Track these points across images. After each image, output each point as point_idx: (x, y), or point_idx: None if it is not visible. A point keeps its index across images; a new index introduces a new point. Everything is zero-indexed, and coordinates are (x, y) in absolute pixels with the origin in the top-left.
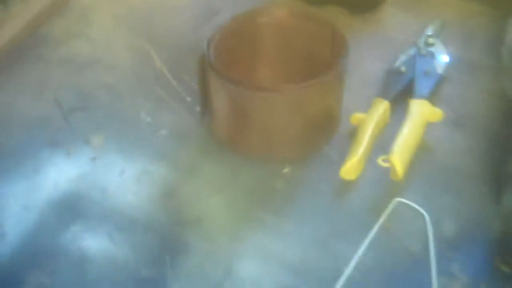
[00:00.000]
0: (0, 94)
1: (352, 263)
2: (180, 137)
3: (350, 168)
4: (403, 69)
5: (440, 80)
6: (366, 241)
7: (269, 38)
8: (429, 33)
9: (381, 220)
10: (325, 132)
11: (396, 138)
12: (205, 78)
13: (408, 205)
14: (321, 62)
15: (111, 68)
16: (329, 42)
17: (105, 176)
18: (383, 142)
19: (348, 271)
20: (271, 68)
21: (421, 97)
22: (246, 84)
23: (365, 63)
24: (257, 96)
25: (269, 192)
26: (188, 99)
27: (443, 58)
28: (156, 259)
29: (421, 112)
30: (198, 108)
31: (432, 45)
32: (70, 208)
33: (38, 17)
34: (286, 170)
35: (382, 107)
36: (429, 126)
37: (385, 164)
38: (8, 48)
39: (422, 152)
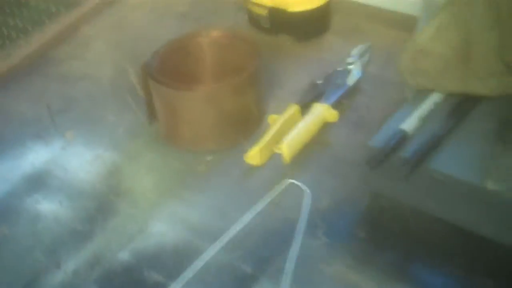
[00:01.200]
0: (9, 98)
1: (238, 225)
2: (132, 134)
3: (253, 155)
4: (319, 82)
5: (348, 91)
6: (253, 209)
7: (207, 53)
8: (351, 54)
9: (270, 194)
10: (243, 128)
11: (291, 131)
12: (146, 83)
13: (296, 184)
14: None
15: (96, 81)
16: (251, 55)
17: (68, 160)
18: None
19: (233, 230)
20: (209, 77)
21: (324, 102)
22: (172, 85)
23: (296, 79)
24: (181, 95)
25: (192, 174)
26: None
27: (356, 74)
28: (90, 219)
29: (318, 113)
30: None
31: (350, 63)
32: (37, 182)
33: (48, 43)
34: (209, 158)
35: (292, 110)
36: (332, 126)
37: (278, 151)
38: (22, 66)
39: (320, 145)
